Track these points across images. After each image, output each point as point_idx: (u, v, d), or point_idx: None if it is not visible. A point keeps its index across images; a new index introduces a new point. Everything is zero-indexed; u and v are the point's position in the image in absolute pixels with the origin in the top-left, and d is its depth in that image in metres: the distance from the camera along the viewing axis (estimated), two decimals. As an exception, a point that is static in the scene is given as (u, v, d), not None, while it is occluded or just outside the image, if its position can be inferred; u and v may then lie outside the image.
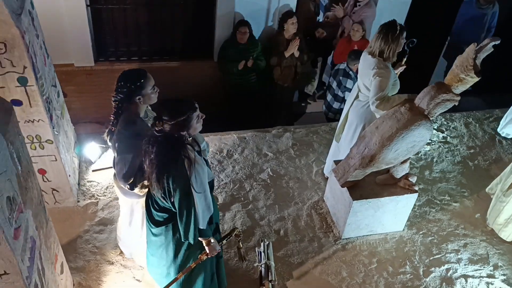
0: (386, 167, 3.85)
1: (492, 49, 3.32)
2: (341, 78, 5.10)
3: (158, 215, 2.86)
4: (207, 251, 2.92)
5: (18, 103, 3.33)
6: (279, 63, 5.47)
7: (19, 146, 2.43)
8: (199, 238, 2.84)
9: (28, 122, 3.46)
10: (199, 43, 5.75)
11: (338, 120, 5.38)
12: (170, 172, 2.59)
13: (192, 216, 2.67)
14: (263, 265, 3.73)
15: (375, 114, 3.91)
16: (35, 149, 3.64)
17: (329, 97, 5.32)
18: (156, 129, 2.60)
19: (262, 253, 3.79)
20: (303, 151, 5.05)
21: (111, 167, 4.47)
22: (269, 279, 3.68)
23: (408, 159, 3.87)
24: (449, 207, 4.56)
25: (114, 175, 3.21)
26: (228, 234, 3.13)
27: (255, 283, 3.72)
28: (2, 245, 2.14)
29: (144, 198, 3.18)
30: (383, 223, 4.14)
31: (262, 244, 3.87)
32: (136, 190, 3.01)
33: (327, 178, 4.66)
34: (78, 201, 4.19)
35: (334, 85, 5.19)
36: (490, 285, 3.91)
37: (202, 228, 2.79)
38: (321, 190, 4.58)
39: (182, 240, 2.82)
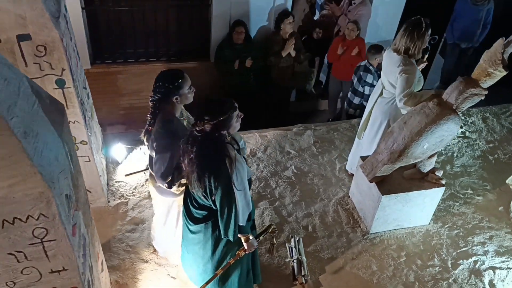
0: (415, 161, 3.91)
1: (517, 44, 3.38)
2: (361, 73, 5.16)
3: (197, 213, 2.91)
4: (245, 247, 2.98)
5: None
6: (277, 63, 5.50)
7: (71, 146, 2.48)
8: (238, 235, 2.90)
9: (64, 123, 3.51)
10: (195, 44, 5.76)
11: (358, 116, 5.47)
12: (212, 171, 2.64)
13: (233, 214, 2.73)
14: (295, 261, 3.79)
15: (401, 111, 3.97)
16: (70, 150, 3.69)
17: (349, 93, 5.38)
18: (197, 128, 2.65)
19: (293, 249, 3.85)
20: (325, 148, 5.10)
21: (143, 171, 4.56)
22: (302, 274, 3.74)
23: (435, 153, 3.93)
24: (473, 201, 4.61)
25: (151, 175, 3.26)
26: (265, 230, 3.18)
27: (287, 279, 3.78)
28: (63, 242, 2.19)
29: (180, 197, 3.24)
30: (410, 217, 4.20)
31: (292, 240, 3.93)
32: (174, 188, 3.06)
33: (351, 174, 4.72)
34: (109, 201, 4.25)
35: (355, 80, 5.25)
36: (517, 276, 3.99)
37: (241, 225, 2.84)
38: (345, 186, 4.64)
39: (222, 237, 2.87)
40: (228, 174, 2.63)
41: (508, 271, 4.00)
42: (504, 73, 3.42)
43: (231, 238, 2.83)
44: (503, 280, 3.94)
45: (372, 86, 5.09)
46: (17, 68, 3.11)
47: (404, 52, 3.79)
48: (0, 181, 1.92)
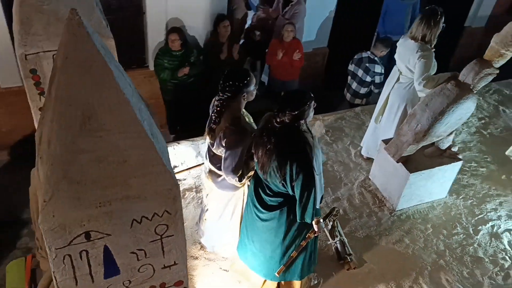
0: (437, 139, 4.23)
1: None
2: (367, 65, 5.45)
3: (272, 200, 3.07)
4: (316, 230, 3.17)
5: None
6: (218, 66, 5.34)
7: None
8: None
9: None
10: (132, 52, 5.54)
11: (362, 105, 5.77)
12: (294, 158, 2.81)
13: (312, 197, 2.91)
14: (337, 242, 4.02)
15: (419, 94, 4.28)
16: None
17: (354, 85, 5.66)
18: (278, 120, 2.81)
19: (335, 231, 4.08)
20: (337, 136, 5.36)
21: (189, 169, 4.63)
22: (347, 253, 3.98)
23: (454, 131, 4.27)
24: (478, 172, 5.02)
25: (210, 171, 3.37)
26: (329, 213, 3.38)
27: (332, 260, 4.00)
28: (179, 236, 2.29)
29: (239, 190, 3.38)
30: (431, 191, 4.53)
31: (330, 223, 4.16)
32: (236, 182, 3.20)
33: (367, 158, 5.01)
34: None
35: (360, 73, 5.53)
36: (531, 235, 4.41)
37: (317, 208, 3.03)
38: (364, 170, 4.91)
39: (298, 221, 3.05)
40: (310, 160, 2.81)
41: (522, 232, 4.44)
42: (513, 53, 3.80)
43: (308, 221, 3.01)
44: (519, 240, 4.36)
45: (380, 74, 5.42)
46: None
47: (421, 39, 4.09)
48: (135, 181, 2.01)
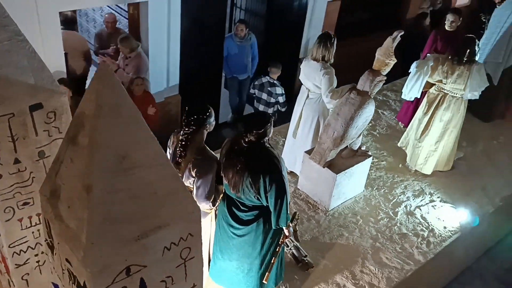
0: (350, 142, 4.93)
1: (400, 39, 4.69)
2: (269, 88, 6.10)
3: (248, 215, 3.36)
4: (287, 234, 3.53)
5: (60, 168, 3.40)
6: None
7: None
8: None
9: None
10: None
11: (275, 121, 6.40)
12: (267, 171, 3.16)
13: (285, 203, 3.28)
14: (292, 248, 4.42)
15: (328, 105, 4.96)
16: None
17: (261, 107, 6.24)
18: (246, 140, 3.15)
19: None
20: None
21: None
22: (303, 255, 4.39)
23: (361, 133, 5.02)
24: (381, 166, 5.88)
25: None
26: (293, 218, 3.76)
27: (291, 264, 4.37)
28: (198, 257, 2.47)
29: (206, 218, 3.60)
30: (352, 188, 5.21)
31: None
32: (209, 207, 3.43)
33: (290, 172, 5.54)
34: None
35: (265, 96, 6.15)
36: (434, 206, 5.31)
37: (288, 212, 3.41)
38: (291, 182, 5.42)
39: (274, 228, 3.38)
40: (280, 170, 3.18)
41: (427, 205, 5.32)
42: (395, 61, 4.70)
43: (284, 225, 3.35)
44: (428, 213, 5.22)
45: (282, 95, 6.11)
46: (28, 138, 3.15)
47: (322, 59, 4.80)
48: (164, 210, 2.19)
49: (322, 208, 5.08)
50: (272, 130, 3.31)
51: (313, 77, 4.88)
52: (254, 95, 6.23)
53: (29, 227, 3.46)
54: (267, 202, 3.28)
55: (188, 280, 2.52)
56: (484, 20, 8.71)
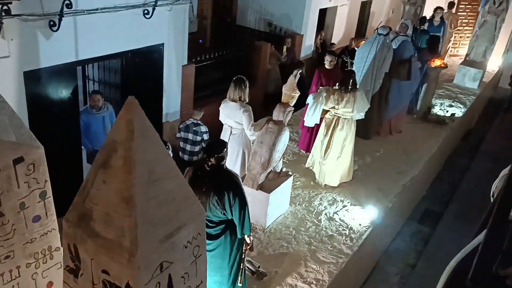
0: (275, 164, 5.69)
1: (299, 76, 5.69)
2: (194, 128, 6.70)
3: (216, 229, 3.83)
4: (248, 242, 4.07)
5: (38, 218, 3.57)
6: None
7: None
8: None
9: (44, 235, 3.66)
10: None
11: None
12: (230, 188, 3.71)
13: (247, 213, 3.84)
14: (246, 262, 4.93)
15: (251, 138, 5.70)
16: (46, 262, 3.77)
17: (188, 147, 6.77)
18: (209, 164, 3.69)
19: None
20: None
21: None
22: (256, 267, 4.92)
23: (281, 157, 5.82)
24: (296, 185, 6.71)
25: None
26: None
27: (247, 276, 4.86)
28: (203, 255, 2.93)
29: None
30: (281, 206, 5.93)
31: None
32: None
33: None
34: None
35: (191, 136, 6.71)
36: (347, 209, 6.25)
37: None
38: (226, 212, 5.97)
39: (239, 237, 3.90)
40: (240, 185, 3.76)
41: (342, 210, 6.25)
42: (299, 93, 5.66)
43: (248, 233, 3.89)
44: (344, 216, 6.12)
45: (206, 132, 6.72)
46: (11, 191, 3.35)
47: (239, 100, 5.57)
48: (182, 213, 2.66)
49: (260, 227, 5.70)
50: (227, 154, 3.92)
51: (234, 115, 5.61)
52: (181, 137, 6.77)
53: (9, 281, 3.54)
54: (232, 215, 3.82)
55: (198, 277, 2.96)
56: (346, 60, 10.47)
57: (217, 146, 3.79)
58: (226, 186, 3.73)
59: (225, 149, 3.81)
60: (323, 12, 12.08)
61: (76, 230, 2.61)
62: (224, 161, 3.83)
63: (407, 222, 7.79)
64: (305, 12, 11.05)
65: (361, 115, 6.31)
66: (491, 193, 4.36)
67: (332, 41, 12.36)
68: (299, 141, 7.81)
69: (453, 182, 9.53)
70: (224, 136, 5.82)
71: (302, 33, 11.16)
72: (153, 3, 6.45)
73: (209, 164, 3.73)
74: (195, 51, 8.90)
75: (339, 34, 13.02)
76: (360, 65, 7.84)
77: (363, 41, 9.94)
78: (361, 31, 14.27)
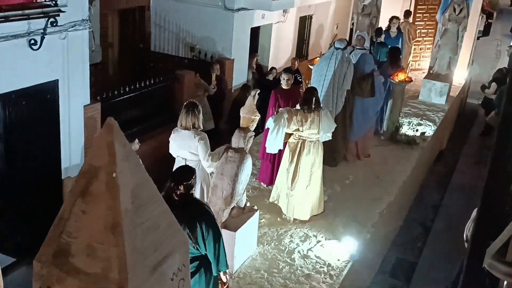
0: (238, 198, 6.10)
1: (258, 96, 6.23)
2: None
3: (190, 267, 4.15)
4: (225, 281, 4.41)
5: None
6: None
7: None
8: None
9: None
10: None
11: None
12: (202, 219, 4.07)
13: (222, 246, 4.20)
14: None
15: (208, 169, 6.09)
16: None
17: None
18: (177, 193, 4.04)
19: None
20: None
21: None
22: None
23: (245, 189, 6.24)
24: (262, 224, 7.09)
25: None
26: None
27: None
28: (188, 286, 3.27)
29: None
30: (247, 246, 6.30)
31: None
32: None
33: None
34: None
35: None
36: (322, 245, 6.72)
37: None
38: (185, 259, 6.25)
39: (215, 274, 4.24)
40: (213, 216, 4.13)
41: (317, 246, 6.71)
42: (259, 116, 6.18)
43: (224, 269, 4.24)
44: (320, 252, 6.60)
45: None
46: None
47: (192, 127, 5.99)
48: (167, 241, 3.01)
49: (227, 272, 6.02)
50: (196, 181, 4.30)
51: (187, 145, 6.00)
52: None
53: None
54: (206, 249, 4.17)
55: (182, 314, 3.29)
56: (299, 79, 11.26)
57: (185, 173, 4.16)
58: (197, 217, 4.09)
59: (194, 176, 4.19)
60: (255, 31, 12.49)
61: (51, 270, 2.88)
62: (193, 189, 4.21)
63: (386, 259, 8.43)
64: (234, 33, 11.21)
65: (328, 136, 6.92)
66: (465, 237, 4.97)
67: (271, 65, 12.82)
68: (258, 173, 8.27)
69: (424, 222, 10.43)
70: (177, 169, 6.18)
71: (233, 57, 11.31)
72: (41, 31, 6.27)
73: (178, 193, 4.09)
74: (101, 86, 8.88)
75: (277, 55, 13.54)
76: (318, 84, 8.45)
77: (317, 58, 10.75)
78: (302, 50, 15.02)
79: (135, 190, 2.85)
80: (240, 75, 11.72)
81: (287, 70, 8.23)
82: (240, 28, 11.38)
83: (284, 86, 7.88)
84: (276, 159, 7.75)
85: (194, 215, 4.10)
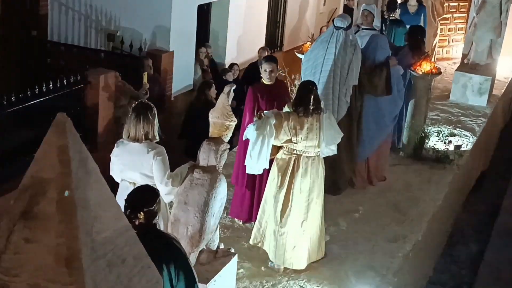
0: (209, 238, 6.36)
1: (233, 94, 6.55)
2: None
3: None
4: None
5: None
6: None
7: None
8: None
9: None
10: None
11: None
12: (170, 260, 4.32)
13: (198, 289, 4.47)
14: None
15: (167, 198, 6.32)
16: None
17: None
18: (136, 224, 4.29)
19: None
20: None
21: None
22: None
23: (217, 225, 6.50)
24: (239, 275, 7.33)
25: None
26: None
27: None
28: None
29: None
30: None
31: None
32: None
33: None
34: None
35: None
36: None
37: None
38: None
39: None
40: (184, 255, 4.39)
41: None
42: (236, 121, 6.49)
43: None
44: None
45: None
46: None
47: (145, 138, 6.23)
48: (135, 280, 3.29)
49: None
50: (160, 207, 4.57)
51: (138, 164, 6.23)
52: None
53: None
54: None
55: None
56: (283, 74, 11.60)
57: (146, 195, 4.41)
58: (164, 256, 4.34)
59: (158, 199, 4.44)
60: (205, 11, 12.29)
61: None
62: (157, 217, 4.46)
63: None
64: (172, 13, 10.97)
65: (332, 150, 7.24)
66: None
67: (229, 60, 12.82)
68: (230, 206, 8.53)
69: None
70: (121, 199, 6.40)
71: (172, 49, 11.19)
72: None
73: (136, 223, 4.33)
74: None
75: (238, 45, 13.38)
76: (312, 78, 8.42)
77: (308, 43, 11.04)
78: (275, 37, 15.19)
79: (96, 210, 3.12)
80: (183, 74, 11.67)
81: (269, 58, 8.47)
82: (181, 5, 11.20)
83: (266, 81, 8.15)
84: (257, 183, 8.03)
85: (159, 253, 4.34)
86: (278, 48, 15.20)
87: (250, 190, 8.24)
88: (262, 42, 14.04)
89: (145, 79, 9.90)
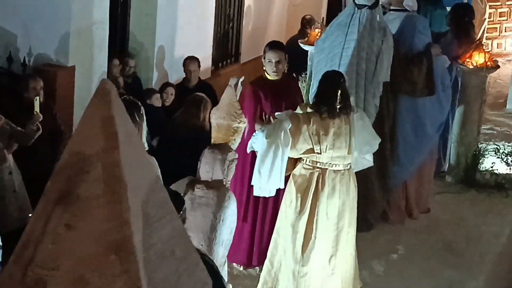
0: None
1: (241, 87, 7.34)
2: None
3: None
4: None
5: None
6: None
7: None
8: None
9: None
10: None
11: None
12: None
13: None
14: None
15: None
16: None
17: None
18: None
19: None
20: None
21: None
22: None
23: (225, 257, 7.25)
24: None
25: None
26: None
27: None
28: None
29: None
30: None
31: None
32: None
33: None
34: None
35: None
36: None
37: None
38: None
39: None
40: (218, 272, 5.18)
41: None
42: (246, 123, 7.24)
43: None
44: None
45: None
46: None
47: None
48: (184, 275, 4.07)
49: None
50: (186, 215, 5.37)
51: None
52: None
53: None
54: None
55: None
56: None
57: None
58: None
59: (184, 207, 5.22)
60: (122, 6, 11.77)
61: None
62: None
63: None
64: (73, 8, 10.19)
65: (368, 161, 7.80)
66: None
67: (159, 79, 12.19)
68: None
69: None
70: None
71: (72, 63, 10.54)
72: None
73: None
74: None
75: (173, 54, 12.57)
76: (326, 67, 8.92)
77: (317, 31, 11.47)
78: (225, 42, 14.37)
79: (145, 193, 3.83)
80: (89, 99, 10.81)
81: (275, 45, 8.76)
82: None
83: (271, 75, 8.61)
84: (260, 211, 8.63)
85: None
86: (233, 59, 14.63)
87: (250, 221, 8.71)
88: (207, 50, 13.45)
89: (36, 108, 8.90)
